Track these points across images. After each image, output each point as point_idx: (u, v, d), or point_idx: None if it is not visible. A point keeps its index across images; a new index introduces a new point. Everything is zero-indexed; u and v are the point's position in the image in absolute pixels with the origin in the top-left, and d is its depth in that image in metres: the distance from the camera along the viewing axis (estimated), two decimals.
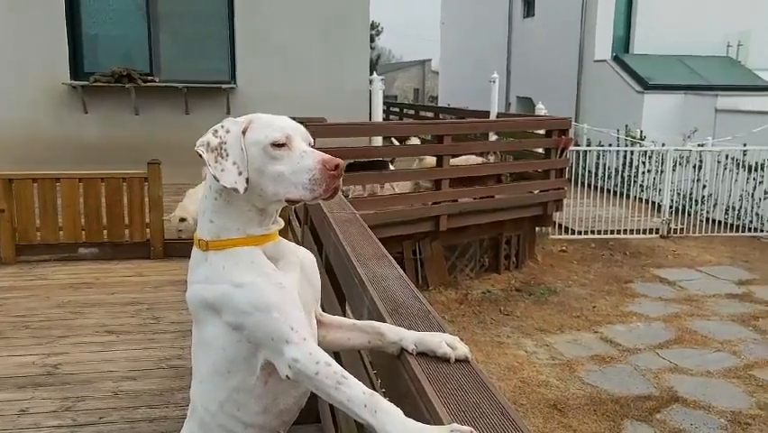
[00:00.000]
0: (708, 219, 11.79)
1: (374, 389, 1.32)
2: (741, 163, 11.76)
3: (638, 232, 11.17)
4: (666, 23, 16.46)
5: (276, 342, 1.36)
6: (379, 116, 10.06)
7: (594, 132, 14.94)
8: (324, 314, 1.65)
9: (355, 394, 1.25)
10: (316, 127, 6.00)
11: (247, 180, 1.42)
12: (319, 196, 1.42)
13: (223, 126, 1.47)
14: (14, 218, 5.69)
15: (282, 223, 1.57)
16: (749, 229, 11.70)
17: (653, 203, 12.14)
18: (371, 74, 10.09)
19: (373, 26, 38.60)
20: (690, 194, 12.05)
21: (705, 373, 6.41)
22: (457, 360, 1.35)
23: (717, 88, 15.11)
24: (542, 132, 9.53)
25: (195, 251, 1.53)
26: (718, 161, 11.92)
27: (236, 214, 1.48)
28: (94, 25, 9.39)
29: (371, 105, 9.95)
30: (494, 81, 11.44)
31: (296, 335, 1.35)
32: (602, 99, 16.80)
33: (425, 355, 1.38)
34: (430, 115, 17.05)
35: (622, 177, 12.66)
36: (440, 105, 25.84)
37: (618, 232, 11.05)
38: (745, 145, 11.79)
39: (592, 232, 11.02)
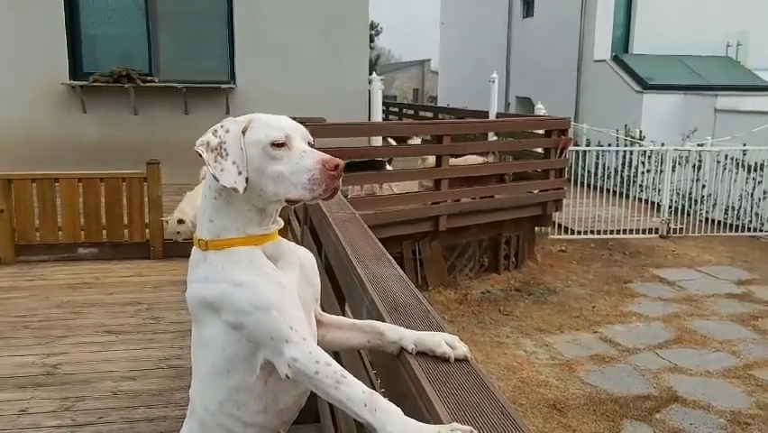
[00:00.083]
0: (707, 219, 11.80)
1: (374, 388, 1.32)
2: (740, 163, 11.76)
3: (638, 232, 11.17)
4: (666, 23, 16.47)
5: (275, 341, 1.36)
6: (378, 116, 10.06)
7: (593, 132, 14.94)
8: (324, 314, 1.65)
9: (355, 393, 1.25)
10: (316, 127, 6.00)
11: (247, 180, 1.42)
12: (319, 196, 1.42)
13: (222, 126, 1.47)
14: (14, 218, 5.69)
15: (282, 223, 1.57)
16: (748, 229, 11.70)
17: (653, 203, 12.14)
18: (371, 74, 10.08)
19: (372, 26, 38.63)
20: (690, 194, 12.05)
21: (704, 372, 6.41)
22: (456, 359, 1.35)
23: (716, 88, 15.12)
24: (541, 132, 9.53)
25: (194, 250, 1.53)
26: (718, 161, 11.92)
27: (236, 213, 1.48)
28: (93, 25, 9.39)
29: (371, 106, 9.94)
30: (493, 81, 11.44)
31: (295, 334, 1.35)
32: (601, 99, 16.81)
33: (425, 355, 1.38)
34: (429, 115, 17.05)
35: (621, 177, 12.67)
36: (439, 105, 25.83)
37: (618, 232, 11.06)
38: (744, 145, 11.80)
39: (592, 232, 11.02)
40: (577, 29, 17.50)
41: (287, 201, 1.45)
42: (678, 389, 6.04)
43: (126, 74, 9.06)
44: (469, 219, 8.50)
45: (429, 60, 39.45)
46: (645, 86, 15.62)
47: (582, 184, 11.55)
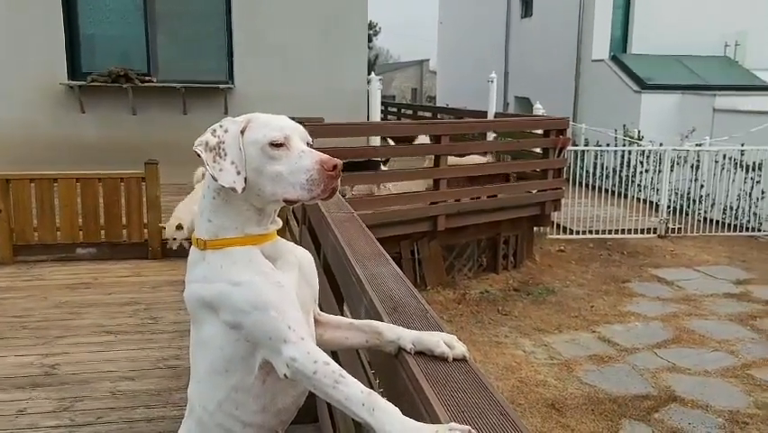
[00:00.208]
0: (705, 219, 11.81)
1: (372, 388, 1.32)
2: (739, 163, 11.77)
3: (636, 232, 11.18)
4: (664, 23, 16.48)
5: (274, 341, 1.36)
6: (377, 116, 10.05)
7: (592, 131, 14.96)
8: (322, 313, 1.65)
9: (353, 393, 1.25)
10: (314, 127, 5.99)
11: (245, 180, 1.42)
12: (317, 196, 1.42)
13: (221, 126, 1.47)
14: (12, 219, 5.68)
15: (280, 223, 1.57)
16: (747, 229, 11.71)
17: (651, 203, 12.15)
18: (369, 74, 10.08)
19: (371, 26, 38.62)
20: (688, 194, 12.06)
21: (703, 372, 6.41)
22: (455, 359, 1.35)
23: (714, 88, 15.13)
24: (540, 131, 9.53)
25: (193, 250, 1.53)
26: (716, 161, 11.93)
27: (234, 213, 1.48)
28: (91, 25, 9.38)
29: (369, 105, 9.94)
30: (492, 81, 11.44)
31: (293, 334, 1.35)
32: (600, 99, 16.82)
33: (423, 354, 1.38)
34: (428, 114, 17.04)
35: (620, 177, 12.67)
36: (438, 105, 25.83)
37: (616, 232, 11.06)
38: (742, 145, 11.81)
39: (590, 232, 11.03)
40: (575, 29, 17.51)
41: (285, 201, 1.45)
42: (676, 388, 6.05)
43: (124, 74, 9.05)
44: (467, 219, 8.50)
45: (428, 60, 39.44)
46: (644, 86, 15.63)
47: (581, 184, 11.56)
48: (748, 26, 16.87)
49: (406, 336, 1.42)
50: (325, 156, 1.43)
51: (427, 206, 8.06)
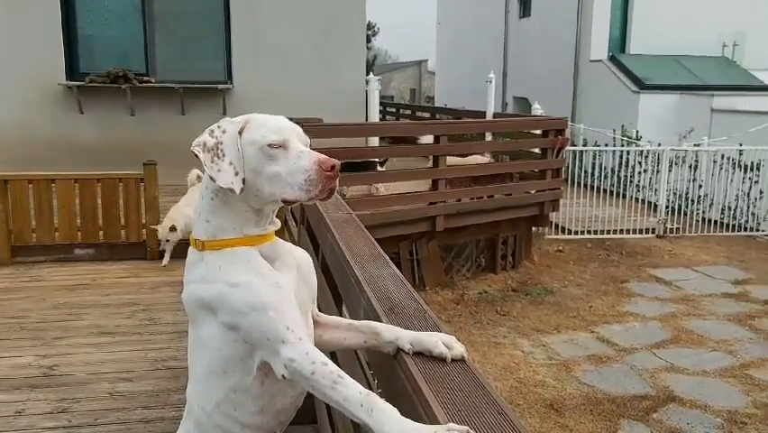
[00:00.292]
0: (704, 219, 11.82)
1: (371, 389, 1.32)
2: (737, 163, 11.79)
3: (634, 232, 11.18)
4: (662, 24, 16.50)
5: (272, 342, 1.36)
6: (375, 117, 10.05)
7: (590, 132, 14.97)
8: (321, 314, 1.65)
9: (351, 394, 1.25)
10: (313, 127, 5.99)
11: (243, 181, 1.42)
12: (315, 196, 1.42)
13: (219, 126, 1.47)
14: (10, 219, 5.67)
15: (279, 223, 1.57)
16: (745, 229, 11.73)
17: (650, 203, 12.16)
18: (368, 74, 10.08)
19: (369, 27, 38.59)
20: (687, 194, 12.07)
21: (701, 372, 6.42)
22: (453, 360, 1.35)
23: (712, 88, 15.15)
24: (538, 132, 9.54)
25: (191, 251, 1.53)
26: (714, 161, 11.94)
27: (233, 214, 1.48)
28: (89, 26, 9.37)
29: (368, 106, 9.94)
30: (490, 81, 11.44)
31: (292, 335, 1.35)
32: (598, 99, 16.83)
33: (422, 355, 1.38)
34: (426, 115, 17.05)
35: (618, 177, 12.68)
36: (436, 105, 25.84)
37: (615, 232, 11.07)
38: (740, 145, 11.82)
39: (589, 232, 11.03)
40: (574, 29, 17.53)
41: (283, 202, 1.46)
42: (675, 388, 6.05)
43: (123, 74, 9.04)
44: (466, 219, 8.50)
45: (426, 61, 39.45)
46: (642, 86, 15.64)
47: (579, 184, 11.56)
48: (746, 26, 16.89)
49: (405, 337, 1.42)
50: (323, 156, 1.43)
51: (426, 206, 8.06)
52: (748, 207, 11.73)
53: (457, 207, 8.34)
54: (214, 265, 1.46)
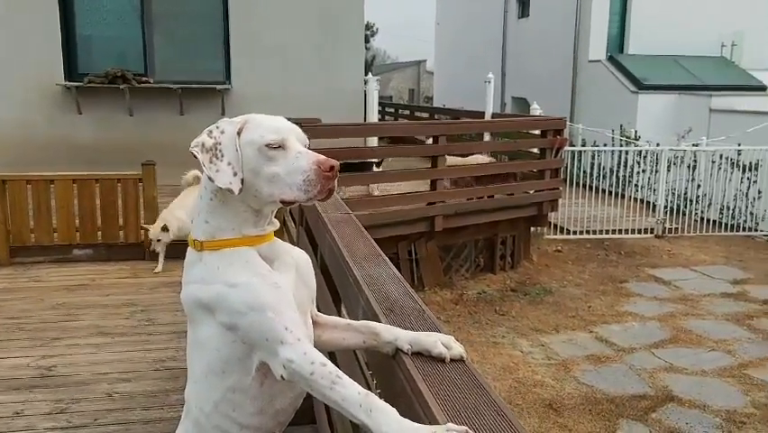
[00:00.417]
0: (702, 219, 11.82)
1: (369, 389, 1.32)
2: (735, 163, 11.80)
3: (633, 232, 11.19)
4: (660, 24, 16.51)
5: (270, 342, 1.36)
6: (374, 117, 10.05)
7: (589, 132, 14.98)
8: (320, 314, 1.65)
9: (350, 394, 1.25)
10: (311, 128, 5.99)
11: (242, 181, 1.42)
12: (314, 197, 1.42)
13: (218, 127, 1.47)
14: (8, 220, 5.67)
15: (278, 224, 1.57)
16: (743, 229, 11.74)
17: (648, 203, 12.17)
18: (366, 74, 10.08)
19: (368, 27, 38.59)
20: (685, 194, 12.08)
21: (700, 372, 6.42)
22: (452, 360, 1.35)
23: (711, 88, 15.16)
24: (537, 132, 9.54)
25: (190, 251, 1.53)
26: (713, 161, 11.95)
27: (231, 214, 1.48)
28: (88, 26, 9.36)
29: (366, 106, 9.94)
30: (489, 81, 11.44)
31: (290, 335, 1.35)
32: (597, 99, 16.84)
33: (421, 355, 1.38)
34: (425, 115, 17.05)
35: (617, 177, 12.69)
36: (435, 105, 25.84)
37: (613, 232, 11.08)
38: (739, 145, 11.83)
39: (587, 232, 11.04)
40: (572, 29, 17.53)
41: (282, 202, 1.45)
42: (673, 388, 6.06)
43: (121, 75, 9.03)
44: (465, 220, 8.50)
45: (425, 61, 39.46)
46: (641, 86, 15.65)
47: (578, 184, 11.57)
48: (744, 26, 16.91)
49: (404, 337, 1.42)
50: (322, 157, 1.43)
51: (425, 206, 8.06)
52: (747, 207, 11.74)
53: (456, 207, 8.34)
54: (213, 266, 1.46)
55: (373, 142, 9.23)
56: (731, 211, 11.84)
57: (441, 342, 1.38)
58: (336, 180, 1.43)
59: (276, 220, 1.56)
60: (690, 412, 5.65)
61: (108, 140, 9.11)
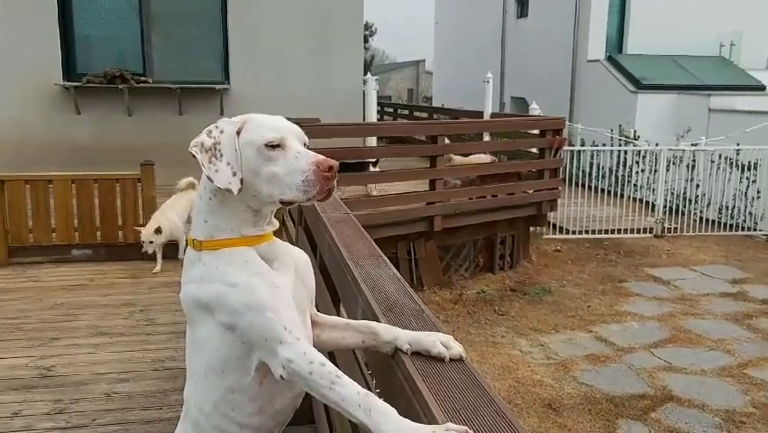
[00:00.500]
0: (701, 218, 11.83)
1: (369, 389, 1.32)
2: (734, 163, 11.80)
3: (632, 231, 11.19)
4: (659, 24, 16.52)
5: (269, 342, 1.35)
6: (373, 117, 10.05)
7: (588, 132, 14.97)
8: (319, 314, 1.65)
9: (349, 394, 1.25)
10: (310, 128, 5.98)
11: (241, 181, 1.42)
12: (313, 197, 1.42)
13: (217, 127, 1.47)
14: (7, 220, 5.67)
15: (277, 224, 1.56)
16: (742, 228, 11.75)
17: (647, 202, 12.17)
18: (365, 74, 10.08)
19: (367, 27, 38.59)
20: (684, 193, 12.09)
21: (699, 371, 6.43)
22: (452, 359, 1.35)
23: (710, 88, 15.17)
24: (536, 132, 9.54)
25: (189, 251, 1.52)
26: (712, 161, 11.96)
27: (230, 214, 1.48)
28: (86, 26, 9.35)
29: (365, 106, 9.94)
30: (488, 81, 11.44)
31: (289, 335, 1.34)
32: (596, 99, 16.84)
33: (420, 355, 1.38)
34: (424, 115, 17.06)
35: (616, 176, 12.69)
36: (434, 105, 25.85)
37: (612, 231, 11.08)
38: (738, 145, 11.84)
39: (586, 231, 11.04)
40: (571, 29, 17.53)
41: (281, 202, 1.45)
42: (673, 388, 6.06)
43: (120, 75, 9.03)
44: (464, 219, 8.50)
45: (424, 61, 39.47)
46: (639, 85, 15.66)
47: (577, 184, 11.56)
48: (743, 26, 16.93)
49: (403, 337, 1.42)
50: (321, 157, 1.42)
51: (424, 206, 8.06)
52: (746, 207, 11.75)
53: (455, 207, 8.34)
54: (212, 265, 1.45)
55: (372, 141, 9.23)
56: (730, 211, 11.85)
57: (440, 342, 1.37)
58: (336, 181, 1.43)
59: (275, 220, 1.56)
60: (689, 412, 5.66)
61: (107, 140, 9.11)
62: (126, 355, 3.89)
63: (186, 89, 9.22)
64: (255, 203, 1.47)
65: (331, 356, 1.93)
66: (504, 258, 9.40)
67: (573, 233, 11.02)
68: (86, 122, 9.22)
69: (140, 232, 5.44)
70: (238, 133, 1.45)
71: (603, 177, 12.50)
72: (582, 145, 14.30)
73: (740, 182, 11.74)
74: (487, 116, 11.24)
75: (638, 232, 11.24)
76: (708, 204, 11.98)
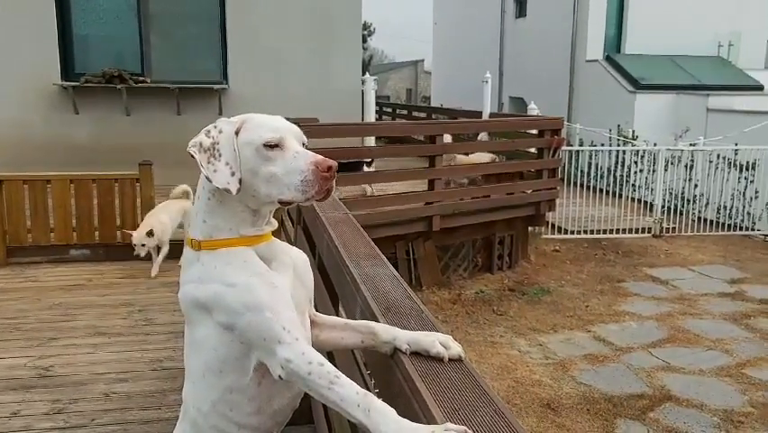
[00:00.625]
0: (700, 218, 11.84)
1: (368, 389, 1.32)
2: (732, 163, 11.82)
3: (631, 231, 11.20)
4: (658, 24, 16.53)
5: (268, 342, 1.35)
6: (371, 116, 10.06)
7: (586, 131, 14.98)
8: (318, 314, 1.65)
9: (348, 394, 1.25)
10: (309, 127, 5.98)
11: (240, 181, 1.42)
12: (312, 197, 1.41)
13: (216, 127, 1.47)
14: (5, 220, 5.66)
15: (276, 224, 1.56)
16: (741, 228, 11.76)
17: (646, 202, 12.18)
18: (364, 74, 10.08)
19: (365, 27, 38.58)
20: (682, 193, 12.10)
21: (697, 371, 6.43)
22: (450, 359, 1.35)
23: (708, 88, 15.18)
24: (534, 131, 9.54)
25: (187, 251, 1.52)
26: (710, 161, 11.97)
27: (229, 214, 1.48)
28: (84, 26, 9.35)
29: (364, 106, 9.94)
30: (486, 81, 11.45)
31: (288, 335, 1.34)
32: (594, 99, 16.85)
33: (419, 355, 1.38)
34: (423, 115, 17.06)
35: (614, 176, 12.70)
36: (432, 105, 25.86)
37: (611, 231, 11.09)
38: (736, 145, 11.85)
39: (585, 231, 11.04)
40: (569, 29, 17.54)
41: (280, 202, 1.45)
42: (671, 387, 6.06)
43: (118, 75, 9.02)
44: (462, 219, 8.50)
45: (422, 61, 39.46)
46: (638, 86, 15.67)
47: (575, 184, 11.57)
48: (741, 27, 16.95)
49: (402, 337, 1.42)
50: (320, 157, 1.42)
51: (423, 206, 8.06)
52: (744, 207, 11.76)
53: (453, 207, 8.34)
54: (211, 265, 1.45)
55: (371, 141, 9.23)
56: (728, 211, 11.86)
57: (439, 341, 1.37)
58: (335, 181, 1.43)
59: (274, 220, 1.56)
60: (687, 411, 5.66)
61: (105, 140, 9.10)
62: (125, 355, 3.89)
63: (184, 89, 9.21)
64: (254, 203, 1.47)
65: (330, 356, 1.93)
66: (502, 258, 9.40)
67: (572, 233, 11.03)
68: (84, 122, 9.21)
69: (131, 235, 5.35)
70: (237, 133, 1.45)
71: (601, 177, 12.51)
72: (581, 145, 14.30)
73: (738, 182, 11.75)
74: (485, 116, 11.25)
75: (637, 232, 11.25)
76: (707, 204, 11.99)
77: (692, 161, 12.08)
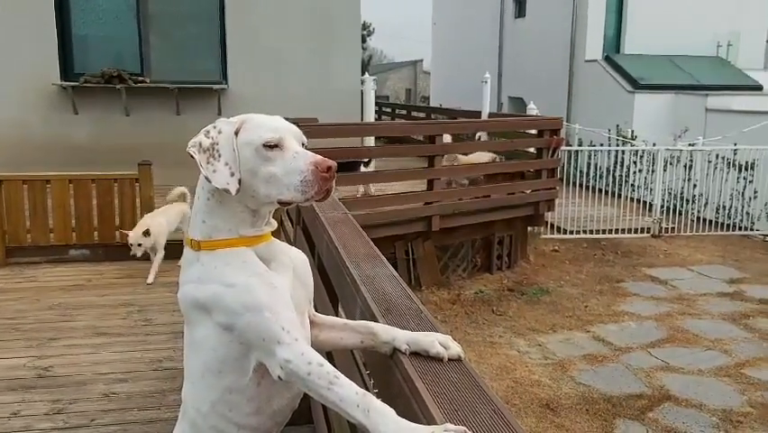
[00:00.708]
0: (699, 218, 11.84)
1: (367, 389, 1.32)
2: (731, 163, 11.82)
3: (630, 231, 11.21)
4: (657, 24, 16.54)
5: (267, 342, 1.35)
6: (371, 116, 10.06)
7: (585, 132, 14.98)
8: (317, 314, 1.65)
9: (347, 394, 1.25)
10: (308, 127, 5.98)
11: (239, 181, 1.42)
12: (311, 198, 1.42)
13: (215, 127, 1.47)
14: (4, 220, 5.66)
15: (275, 224, 1.56)
16: (740, 228, 11.76)
17: (645, 202, 12.18)
18: (363, 74, 10.08)
19: (365, 27, 38.58)
20: (681, 193, 12.10)
21: (696, 371, 6.43)
22: (450, 359, 1.35)
23: (707, 88, 15.19)
24: (533, 131, 9.55)
25: (187, 251, 1.52)
26: (709, 161, 11.97)
27: (229, 214, 1.48)
28: (84, 26, 9.35)
29: (363, 106, 9.94)
30: (486, 81, 11.45)
31: (287, 335, 1.34)
32: (593, 99, 16.86)
33: (418, 355, 1.38)
34: (422, 115, 17.06)
35: (613, 176, 12.70)
36: (432, 105, 25.86)
37: (610, 231, 11.09)
38: (735, 145, 11.86)
39: (584, 231, 11.05)
40: (569, 29, 17.54)
41: (279, 203, 1.45)
42: (670, 388, 6.07)
43: (117, 75, 9.02)
44: (462, 219, 8.50)
45: (421, 61, 39.45)
46: (637, 86, 15.67)
47: (574, 184, 11.57)
48: (740, 27, 16.95)
49: (401, 337, 1.42)
50: (320, 158, 1.42)
51: (422, 206, 8.06)
52: (743, 207, 11.76)
53: (453, 207, 8.35)
54: (210, 265, 1.45)
55: (370, 141, 9.23)
56: (727, 211, 11.87)
57: (438, 342, 1.38)
58: (334, 181, 1.43)
59: (273, 220, 1.56)
60: (686, 411, 5.66)
61: (104, 140, 9.10)
62: (125, 356, 3.89)
63: (183, 89, 9.21)
64: (253, 203, 1.47)
65: (329, 357, 1.94)
66: (502, 258, 9.40)
67: (571, 233, 11.03)
68: (83, 122, 9.21)
69: (127, 235, 5.33)
70: (236, 133, 1.45)
71: (601, 177, 12.50)
72: (580, 145, 14.30)
73: (737, 182, 11.76)
74: (485, 116, 11.25)
75: (636, 232, 11.26)
76: (706, 204, 11.99)
77: (691, 160, 12.09)
